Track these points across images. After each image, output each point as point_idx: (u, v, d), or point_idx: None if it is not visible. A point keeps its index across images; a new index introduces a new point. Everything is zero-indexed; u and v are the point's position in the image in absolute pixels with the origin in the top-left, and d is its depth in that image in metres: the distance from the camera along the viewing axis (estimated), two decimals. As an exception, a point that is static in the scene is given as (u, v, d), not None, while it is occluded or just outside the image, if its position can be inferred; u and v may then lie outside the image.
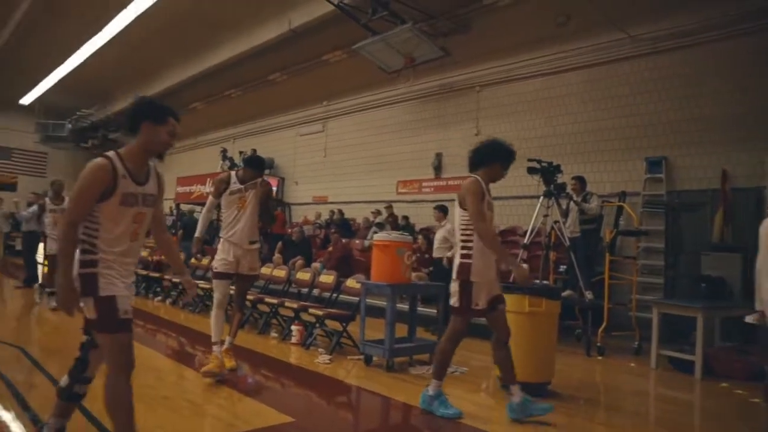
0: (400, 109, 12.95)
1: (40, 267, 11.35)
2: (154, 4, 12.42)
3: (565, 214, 7.28)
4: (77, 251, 2.46)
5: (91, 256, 2.46)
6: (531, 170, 6.69)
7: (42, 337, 6.20)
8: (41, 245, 11.42)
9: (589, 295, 6.74)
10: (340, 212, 13.10)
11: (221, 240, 4.76)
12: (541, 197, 6.76)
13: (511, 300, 4.55)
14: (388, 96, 12.98)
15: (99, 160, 2.47)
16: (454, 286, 3.85)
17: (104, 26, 14.15)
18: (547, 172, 6.63)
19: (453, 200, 11.44)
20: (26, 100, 22.74)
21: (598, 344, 6.43)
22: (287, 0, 11.99)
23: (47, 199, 8.30)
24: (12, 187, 24.99)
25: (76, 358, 2.67)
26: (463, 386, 4.80)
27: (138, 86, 19.26)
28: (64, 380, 2.68)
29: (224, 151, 17.58)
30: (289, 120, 16.14)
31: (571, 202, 7.32)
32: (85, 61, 17.03)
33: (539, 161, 6.72)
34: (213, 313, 4.64)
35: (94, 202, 2.43)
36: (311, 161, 15.28)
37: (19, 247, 15.82)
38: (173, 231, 14.88)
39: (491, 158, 4.01)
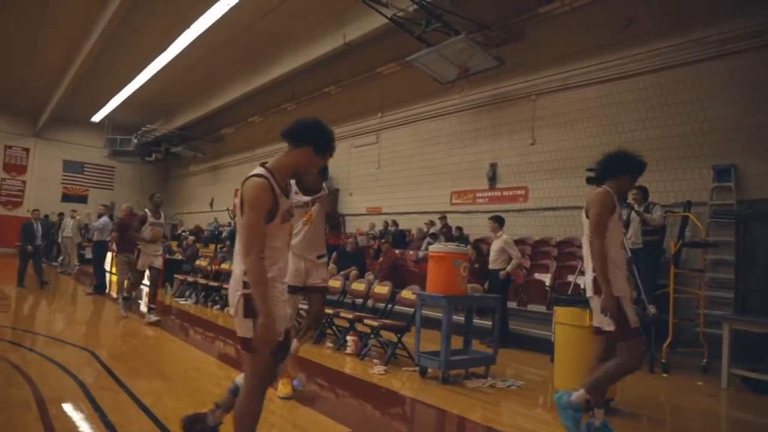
0: (453, 119, 12.91)
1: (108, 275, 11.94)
2: (213, 24, 12.94)
3: (626, 225, 7.04)
4: (239, 272, 2.44)
5: None
6: (590, 180, 6.51)
7: (109, 342, 6.48)
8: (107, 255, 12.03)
9: (652, 309, 6.50)
10: (395, 223, 13.13)
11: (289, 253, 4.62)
12: (601, 208, 6.57)
13: (570, 313, 4.44)
14: (442, 107, 12.98)
15: (259, 180, 2.41)
16: (598, 307, 3.47)
17: (168, 46, 14.84)
18: (607, 182, 6.44)
19: (509, 211, 11.32)
20: (97, 117, 24.15)
21: (663, 360, 6.17)
22: (342, 15, 12.22)
23: (147, 211, 7.88)
24: (83, 199, 26.53)
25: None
26: (519, 400, 4.70)
27: (198, 101, 20.06)
28: (239, 384, 2.72)
29: (281, 163, 17.97)
30: (344, 132, 16.34)
31: (632, 213, 7.08)
32: (150, 79, 17.91)
33: (598, 171, 6.53)
34: None
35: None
36: (365, 172, 15.43)
37: (89, 255, 16.73)
38: (228, 241, 15.35)
39: (622, 170, 3.66)
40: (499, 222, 7.89)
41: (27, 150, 26.11)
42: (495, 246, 7.84)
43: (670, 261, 6.78)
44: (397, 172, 14.35)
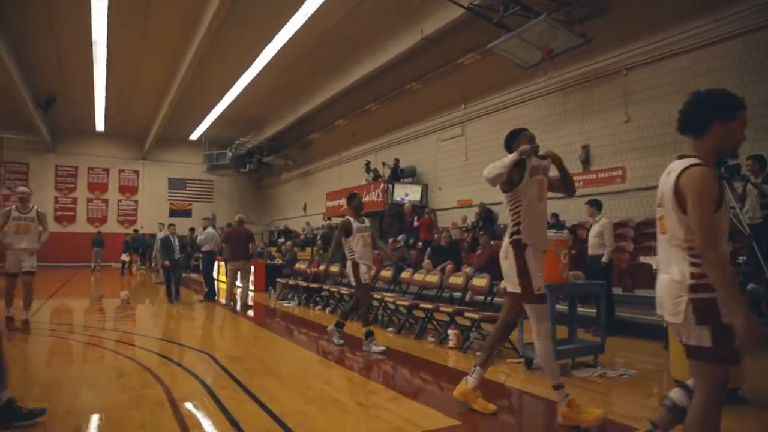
0: (540, 103, 12.55)
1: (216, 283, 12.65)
2: (294, 35, 13.41)
3: (742, 198, 6.53)
4: (679, 275, 2.23)
5: (706, 279, 2.18)
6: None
7: (225, 345, 6.90)
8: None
9: (777, 287, 5.97)
10: (488, 209, 12.89)
11: (528, 247, 3.66)
12: (710, 182, 6.12)
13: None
14: (527, 92, 12.65)
15: (705, 169, 2.20)
16: None
17: (253, 62, 15.57)
18: (716, 154, 5.98)
19: (606, 193, 10.86)
20: (194, 135, 25.90)
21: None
22: (418, 10, 12.22)
23: (348, 217, 6.47)
24: (188, 213, 28.42)
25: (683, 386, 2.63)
26: (632, 390, 4.51)
27: (285, 111, 20.83)
28: (676, 401, 2.65)
29: (368, 163, 18.33)
30: (429, 127, 16.36)
31: (749, 185, 6.54)
32: (239, 95, 18.90)
33: (704, 143, 6.08)
34: (549, 348, 3.64)
35: None
36: (453, 165, 15.34)
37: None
38: (320, 241, 15.80)
39: None
40: (596, 206, 7.59)
41: (137, 172, 28.45)
42: (593, 231, 7.56)
43: (796, 235, 6.20)
44: (486, 163, 13.80)
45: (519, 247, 3.67)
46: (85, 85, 18.51)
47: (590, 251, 7.61)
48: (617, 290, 8.05)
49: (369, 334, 6.17)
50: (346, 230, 6.36)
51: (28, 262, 7.33)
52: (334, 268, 11.13)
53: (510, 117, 13.36)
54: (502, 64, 11.61)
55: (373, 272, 6.56)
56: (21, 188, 7.62)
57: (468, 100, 14.64)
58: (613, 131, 10.78)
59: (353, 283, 6.46)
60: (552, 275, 5.00)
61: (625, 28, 10.22)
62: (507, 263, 3.74)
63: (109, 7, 12.44)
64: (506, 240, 3.76)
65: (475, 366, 3.93)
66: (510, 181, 3.73)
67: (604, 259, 7.26)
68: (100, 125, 24.41)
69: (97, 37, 14.20)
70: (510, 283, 3.75)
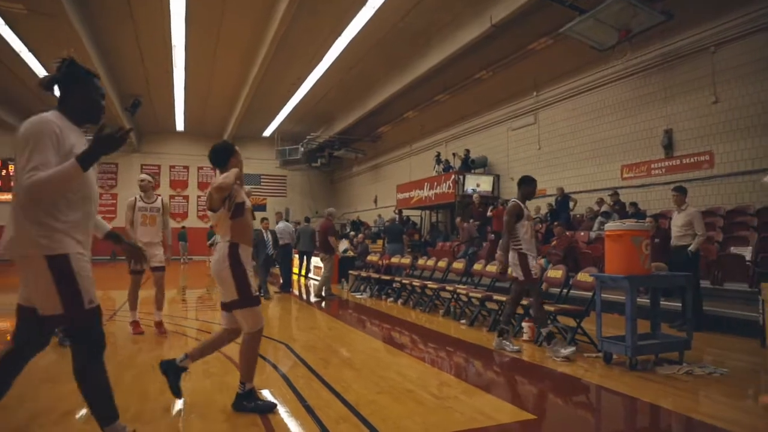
0: (617, 87, 12.00)
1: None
2: (362, 29, 13.50)
3: None
4: None
5: None
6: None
7: (300, 335, 7.08)
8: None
9: None
10: (566, 195, 12.50)
11: None
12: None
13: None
14: (603, 75, 12.14)
15: None
16: None
17: (323, 57, 15.82)
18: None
19: (691, 180, 10.30)
20: (267, 132, 26.71)
21: None
22: (486, -3, 11.98)
23: (516, 200, 5.74)
24: (263, 207, 29.39)
25: None
26: (723, 390, 4.22)
27: (355, 105, 21.03)
28: None
29: (438, 155, 18.21)
30: (499, 116, 16.04)
31: None
32: (310, 90, 19.29)
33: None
34: None
35: None
36: (525, 155, 14.97)
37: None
38: (383, 235, 15.83)
39: None
40: (683, 193, 7.17)
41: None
42: (680, 220, 7.13)
43: None
44: (560, 151, 13.71)
45: None
46: (165, 87, 19.56)
47: (674, 242, 7.20)
48: (705, 283, 7.59)
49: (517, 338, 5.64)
50: (517, 215, 5.60)
51: (157, 256, 6.42)
52: (405, 260, 11.23)
53: (585, 102, 12.88)
54: (576, 48, 11.20)
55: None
56: (142, 175, 6.59)
57: (540, 87, 14.23)
58: (699, 113, 10.15)
59: (521, 278, 5.62)
60: (631, 266, 4.78)
61: (712, 1, 9.57)
62: None
63: (186, 11, 13.02)
64: None
65: None
66: None
67: (691, 248, 6.84)
68: (180, 125, 25.74)
69: (176, 41, 14.92)
70: None
